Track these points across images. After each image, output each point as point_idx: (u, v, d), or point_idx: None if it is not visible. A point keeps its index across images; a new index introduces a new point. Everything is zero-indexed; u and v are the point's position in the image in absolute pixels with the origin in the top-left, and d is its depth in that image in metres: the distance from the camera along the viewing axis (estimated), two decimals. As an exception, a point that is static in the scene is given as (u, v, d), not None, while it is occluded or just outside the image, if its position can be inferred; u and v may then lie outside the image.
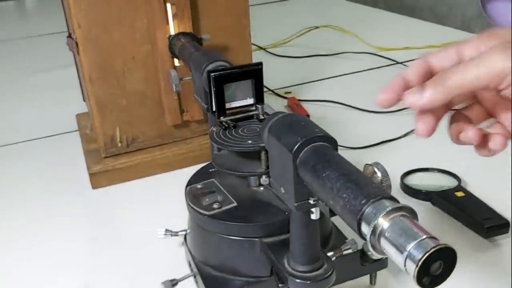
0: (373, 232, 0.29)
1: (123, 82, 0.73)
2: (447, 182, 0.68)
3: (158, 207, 0.71)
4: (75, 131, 0.93)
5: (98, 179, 0.76)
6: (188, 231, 0.54)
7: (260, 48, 1.34)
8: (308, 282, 0.42)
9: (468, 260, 0.57)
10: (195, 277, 0.51)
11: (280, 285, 0.45)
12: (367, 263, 0.51)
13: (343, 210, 0.32)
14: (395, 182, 0.71)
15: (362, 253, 0.52)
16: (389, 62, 1.18)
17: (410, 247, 0.28)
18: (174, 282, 0.51)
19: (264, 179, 0.50)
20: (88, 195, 0.75)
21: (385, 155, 0.79)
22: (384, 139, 0.82)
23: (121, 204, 0.73)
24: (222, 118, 0.52)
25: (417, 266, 0.27)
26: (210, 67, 0.55)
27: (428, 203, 0.66)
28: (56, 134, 0.96)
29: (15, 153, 0.91)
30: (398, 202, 0.31)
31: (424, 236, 0.28)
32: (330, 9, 1.79)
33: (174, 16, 0.71)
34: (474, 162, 0.75)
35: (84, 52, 0.70)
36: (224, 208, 0.48)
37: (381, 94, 0.36)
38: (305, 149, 0.36)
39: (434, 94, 0.33)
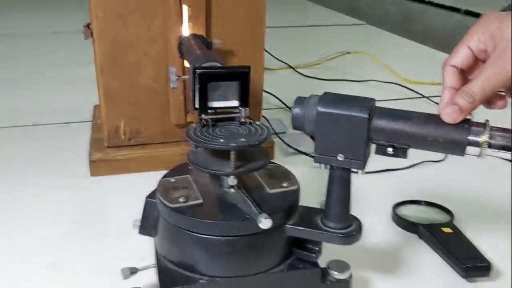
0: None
1: (133, 76, 0.75)
2: (439, 217, 0.66)
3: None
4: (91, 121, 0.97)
5: (97, 167, 0.78)
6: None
7: (290, 67, 1.35)
8: (342, 236, 0.47)
9: (441, 298, 0.54)
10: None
11: None
12: (329, 282, 0.50)
13: (447, 136, 0.41)
14: (388, 212, 0.69)
15: (325, 272, 0.50)
16: (415, 95, 1.16)
17: None
18: (133, 270, 0.51)
19: (231, 180, 0.50)
20: (84, 181, 0.77)
21: (386, 183, 0.77)
22: (390, 167, 0.80)
23: (113, 193, 0.75)
24: (203, 116, 0.52)
25: None
26: (203, 65, 0.56)
27: (416, 236, 0.64)
28: (76, 122, 1.00)
29: (32, 134, 0.95)
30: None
31: None
32: (366, 36, 1.79)
33: (189, 18, 0.73)
34: (472, 201, 0.73)
35: (99, 43, 0.73)
36: (188, 203, 0.48)
37: (448, 110, 0.42)
38: (375, 110, 0.43)
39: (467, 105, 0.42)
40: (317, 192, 0.49)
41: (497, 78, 0.42)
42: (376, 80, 1.24)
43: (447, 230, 0.61)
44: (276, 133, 0.91)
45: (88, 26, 0.75)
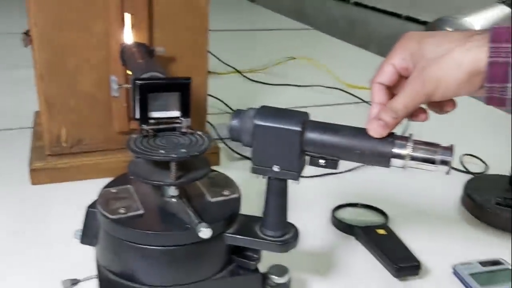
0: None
1: (74, 84, 0.75)
2: (375, 219, 0.69)
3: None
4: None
5: (38, 176, 0.77)
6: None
7: (237, 71, 1.37)
8: (278, 244, 0.49)
9: (375, 297, 0.58)
10: (98, 280, 0.52)
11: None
12: (269, 286, 0.52)
13: (373, 149, 0.44)
14: (328, 214, 0.71)
15: (265, 277, 0.52)
16: (356, 100, 1.20)
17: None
18: (74, 282, 0.51)
19: (172, 190, 0.51)
20: (25, 190, 0.76)
21: (326, 187, 0.80)
22: (330, 172, 0.83)
23: (55, 202, 0.74)
24: (144, 127, 0.53)
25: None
26: (144, 76, 0.56)
27: (353, 238, 0.67)
28: (15, 128, 0.97)
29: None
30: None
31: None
32: (312, 41, 1.83)
33: (131, 26, 0.73)
34: (405, 203, 0.77)
35: (39, 50, 0.72)
36: (129, 214, 0.49)
37: (373, 125, 0.45)
38: (307, 124, 0.45)
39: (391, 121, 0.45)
40: (261, 198, 0.50)
41: (417, 96, 0.45)
42: (320, 85, 1.28)
43: (381, 231, 0.65)
44: (221, 139, 0.92)
45: (27, 33, 0.73)
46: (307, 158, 0.47)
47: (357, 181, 0.82)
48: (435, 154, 0.43)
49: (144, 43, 0.72)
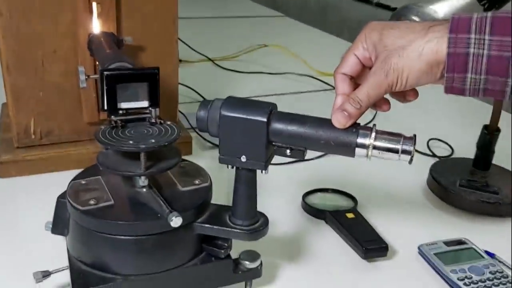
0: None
1: (42, 74, 0.74)
2: (344, 203, 0.71)
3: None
4: (-1, 119, 0.92)
5: (6, 168, 0.76)
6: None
7: (209, 59, 1.36)
8: (247, 232, 0.50)
9: (343, 277, 0.59)
10: (70, 271, 0.52)
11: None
12: (241, 271, 0.53)
13: (337, 139, 0.45)
14: (299, 200, 0.73)
15: (237, 262, 0.53)
16: (327, 87, 1.22)
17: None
18: (45, 274, 0.51)
19: (143, 180, 0.51)
20: (-7, 184, 0.75)
21: (297, 173, 0.82)
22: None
23: (25, 195, 0.73)
24: (113, 117, 0.53)
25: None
26: (112, 66, 0.56)
27: (323, 222, 0.69)
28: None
29: None
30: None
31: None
32: (284, 29, 1.84)
33: (98, 15, 0.72)
34: (373, 186, 0.79)
35: (4, 41, 0.70)
36: (99, 205, 0.49)
37: (337, 116, 0.46)
38: (274, 115, 0.46)
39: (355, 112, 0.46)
40: (233, 187, 0.51)
41: (380, 86, 0.45)
42: (292, 73, 1.29)
43: (350, 215, 0.66)
44: (193, 128, 0.92)
45: (-10, 23, 0.72)
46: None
47: (327, 167, 0.84)
48: (397, 144, 0.44)
49: (112, 32, 0.72)
